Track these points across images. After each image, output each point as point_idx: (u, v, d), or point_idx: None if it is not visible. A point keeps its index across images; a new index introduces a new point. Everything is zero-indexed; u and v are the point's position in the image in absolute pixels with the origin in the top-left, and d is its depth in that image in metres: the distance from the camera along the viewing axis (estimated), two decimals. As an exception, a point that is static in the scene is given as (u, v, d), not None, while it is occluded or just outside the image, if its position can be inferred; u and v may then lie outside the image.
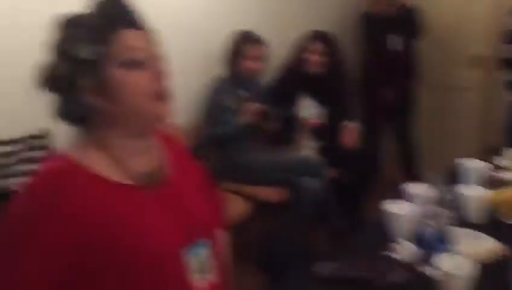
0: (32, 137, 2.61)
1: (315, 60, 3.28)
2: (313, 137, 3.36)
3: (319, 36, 3.32)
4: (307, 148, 3.35)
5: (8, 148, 2.54)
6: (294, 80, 3.31)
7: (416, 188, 1.74)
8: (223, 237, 1.38)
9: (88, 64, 1.01)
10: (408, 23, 3.65)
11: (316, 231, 3.20)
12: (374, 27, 3.70)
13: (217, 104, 3.04)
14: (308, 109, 3.34)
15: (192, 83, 3.11)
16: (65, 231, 0.95)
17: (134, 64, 1.03)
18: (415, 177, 3.91)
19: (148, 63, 1.05)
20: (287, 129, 3.28)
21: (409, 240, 1.55)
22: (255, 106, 2.94)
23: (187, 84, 3.04)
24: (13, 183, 2.55)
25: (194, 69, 3.14)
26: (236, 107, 3.05)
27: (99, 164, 1.04)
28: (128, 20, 1.06)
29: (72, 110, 1.05)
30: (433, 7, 3.96)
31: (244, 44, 3.09)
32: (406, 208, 1.60)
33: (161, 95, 1.06)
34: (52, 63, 1.03)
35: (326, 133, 3.34)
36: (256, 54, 3.09)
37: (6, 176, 2.53)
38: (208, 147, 3.05)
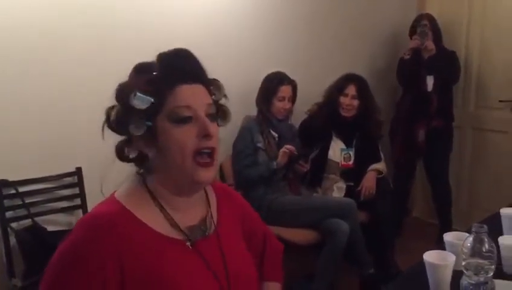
0: (64, 175, 2.64)
1: (347, 102, 3.28)
2: (342, 178, 3.32)
3: (352, 79, 3.32)
4: (336, 190, 3.31)
5: (40, 186, 2.58)
6: (326, 121, 3.30)
7: (456, 237, 1.68)
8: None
9: (137, 113, 1.02)
10: (446, 66, 3.65)
11: (346, 275, 3.13)
12: (413, 69, 3.69)
13: (247, 144, 3.04)
14: (339, 151, 3.32)
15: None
16: (109, 267, 0.96)
17: (182, 120, 1.04)
18: (447, 221, 3.86)
19: (198, 119, 1.05)
20: (317, 170, 3.25)
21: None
22: (290, 148, 2.93)
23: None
24: (44, 220, 2.58)
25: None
26: (266, 147, 3.05)
27: (148, 214, 1.06)
28: (189, 74, 1.07)
29: (127, 153, 1.08)
30: (471, 52, 4.02)
31: (275, 84, 3.10)
32: (446, 259, 1.54)
33: (204, 156, 1.05)
34: (113, 105, 1.07)
35: (355, 175, 3.31)
36: (286, 94, 3.11)
37: (38, 214, 2.55)
38: (238, 188, 3.03)
